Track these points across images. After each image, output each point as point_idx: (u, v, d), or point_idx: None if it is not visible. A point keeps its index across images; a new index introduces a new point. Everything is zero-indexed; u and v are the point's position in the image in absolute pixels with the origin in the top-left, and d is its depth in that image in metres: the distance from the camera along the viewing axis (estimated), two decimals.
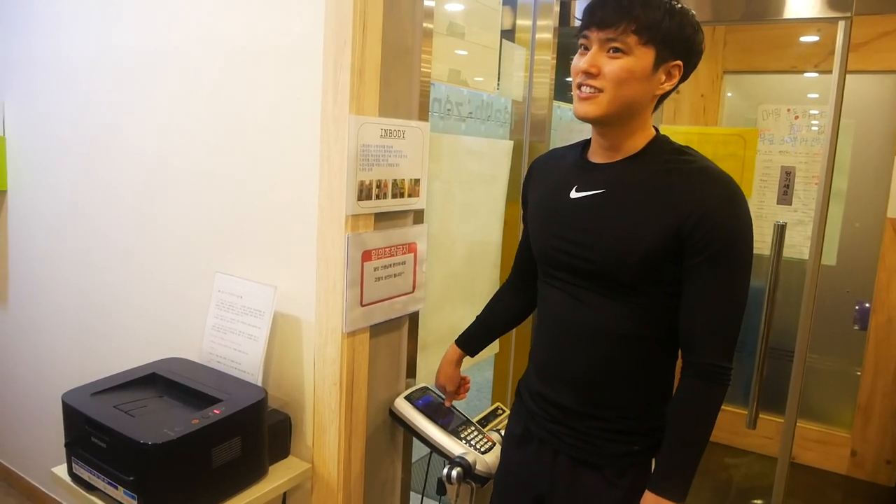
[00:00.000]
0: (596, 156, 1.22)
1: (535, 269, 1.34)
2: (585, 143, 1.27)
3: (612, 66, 1.09)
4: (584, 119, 1.14)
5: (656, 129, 1.19)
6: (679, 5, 1.10)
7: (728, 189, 1.09)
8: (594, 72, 1.10)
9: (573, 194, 1.20)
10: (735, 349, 1.13)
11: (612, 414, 1.19)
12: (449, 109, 1.97)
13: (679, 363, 1.21)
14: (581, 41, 1.14)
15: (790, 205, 2.32)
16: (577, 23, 1.35)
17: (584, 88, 1.12)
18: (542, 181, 1.31)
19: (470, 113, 2.13)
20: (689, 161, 1.13)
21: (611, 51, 1.09)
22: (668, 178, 1.12)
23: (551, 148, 1.50)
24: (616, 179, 1.16)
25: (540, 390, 1.27)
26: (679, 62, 1.12)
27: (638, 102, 1.13)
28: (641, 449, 1.19)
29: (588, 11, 1.11)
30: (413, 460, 1.73)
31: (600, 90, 1.10)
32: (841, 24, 1.85)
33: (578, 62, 1.13)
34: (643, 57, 1.09)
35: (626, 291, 1.15)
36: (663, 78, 1.13)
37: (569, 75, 1.18)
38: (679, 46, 1.11)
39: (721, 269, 1.09)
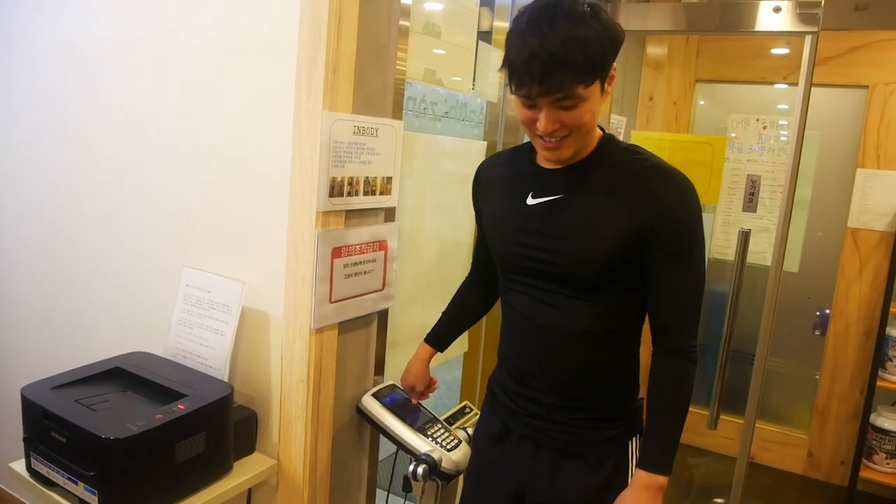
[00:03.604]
0: (547, 161, 1.22)
1: (494, 264, 1.35)
2: (531, 146, 1.26)
3: (573, 116, 1.07)
4: (560, 161, 1.16)
5: (602, 129, 1.21)
6: (602, 15, 1.04)
7: (682, 185, 1.14)
8: (557, 127, 1.08)
9: (530, 200, 1.21)
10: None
11: (592, 404, 1.23)
12: (424, 108, 1.98)
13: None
14: (521, 100, 1.09)
15: (755, 212, 2.38)
16: None
17: (547, 139, 1.10)
18: (493, 188, 1.32)
19: (446, 112, 2.14)
20: (641, 160, 1.16)
21: (564, 107, 1.06)
22: (624, 178, 1.15)
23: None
24: (572, 184, 1.18)
25: (517, 390, 1.29)
26: (615, 65, 1.11)
27: (595, 121, 1.14)
28: (620, 432, 1.25)
29: (520, 78, 1.04)
30: (380, 458, 1.74)
31: (566, 135, 1.10)
32: (808, 38, 1.91)
33: (528, 116, 1.09)
34: (594, 92, 1.07)
35: (593, 291, 1.18)
36: (608, 89, 1.12)
37: None
38: (613, 57, 1.09)
39: (684, 260, 1.15)
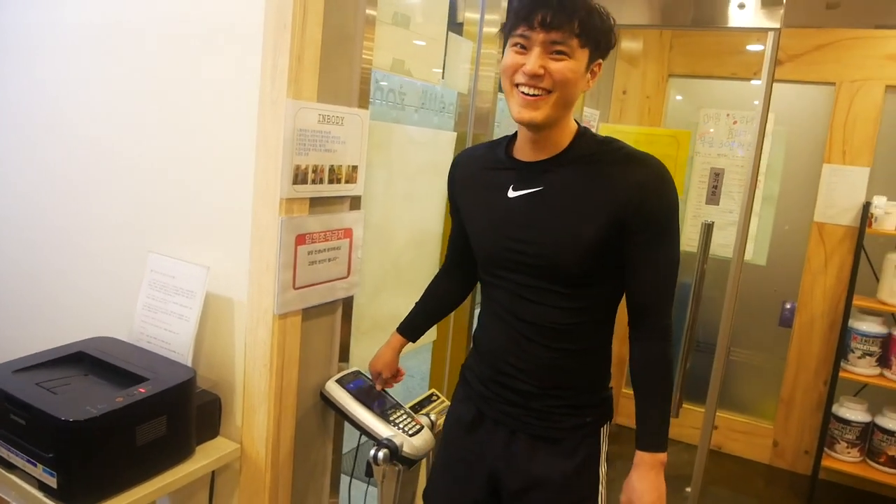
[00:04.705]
0: (524, 154, 1.24)
1: (468, 257, 1.38)
2: (508, 141, 1.29)
3: (560, 67, 1.10)
4: (531, 124, 1.15)
5: (577, 122, 1.24)
6: (598, 5, 1.13)
7: (657, 170, 1.17)
8: (542, 73, 1.10)
9: (511, 193, 1.23)
10: None
11: (568, 392, 1.26)
12: (394, 99, 1.99)
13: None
14: (517, 40, 1.12)
15: (718, 205, 2.43)
16: None
17: (527, 89, 1.12)
18: (471, 183, 1.34)
19: (422, 104, 2.15)
20: (615, 149, 1.19)
21: (555, 53, 1.10)
22: (600, 168, 1.17)
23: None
24: (552, 176, 1.20)
25: (493, 377, 1.31)
26: (601, 61, 1.17)
27: (574, 102, 1.17)
28: (593, 419, 1.28)
29: (527, 9, 1.10)
30: (347, 449, 1.76)
31: (548, 91, 1.11)
32: (770, 34, 1.95)
33: (516, 60, 1.12)
34: (582, 59, 1.12)
35: (574, 284, 1.20)
36: (590, 77, 1.17)
37: None
38: (605, 46, 1.15)
39: (663, 243, 1.18)
